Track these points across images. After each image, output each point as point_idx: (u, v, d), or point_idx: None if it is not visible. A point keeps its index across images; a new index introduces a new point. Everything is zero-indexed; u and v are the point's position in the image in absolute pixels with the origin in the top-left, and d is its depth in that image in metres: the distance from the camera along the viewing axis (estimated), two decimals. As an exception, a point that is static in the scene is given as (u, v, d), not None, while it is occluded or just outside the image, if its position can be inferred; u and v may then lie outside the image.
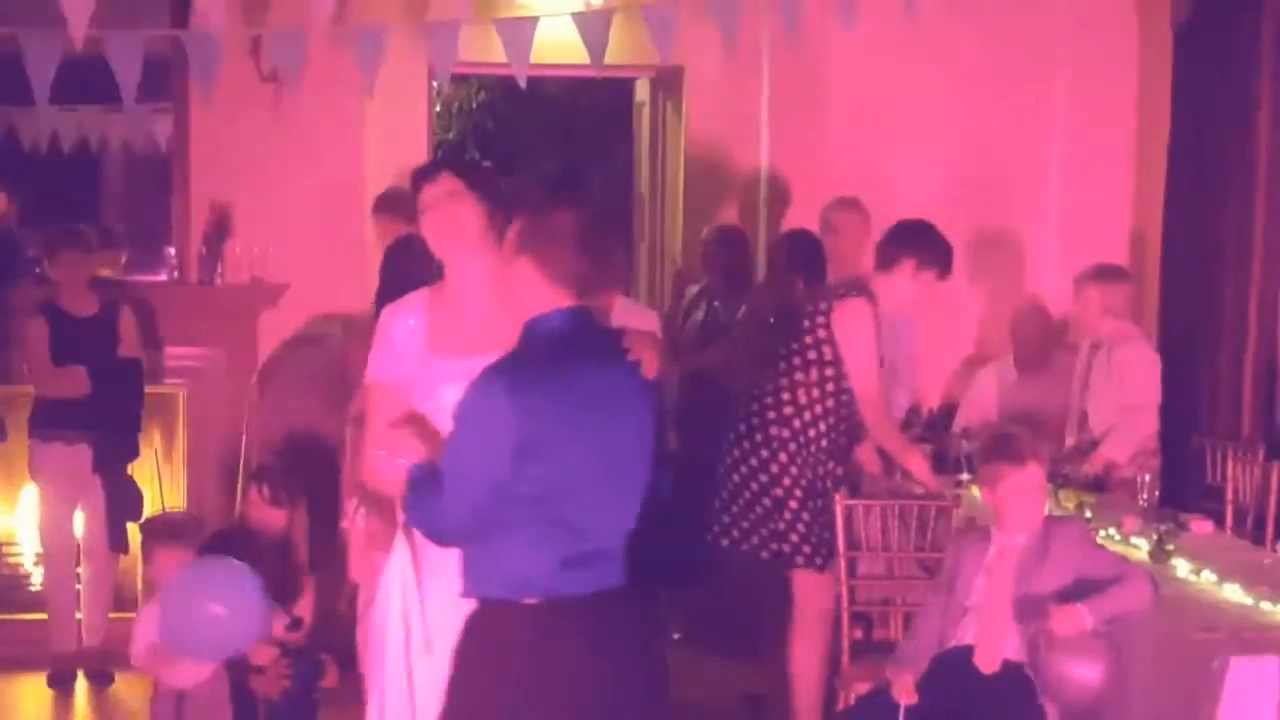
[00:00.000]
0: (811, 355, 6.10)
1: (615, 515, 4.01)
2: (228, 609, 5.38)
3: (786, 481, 6.08)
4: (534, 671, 3.92)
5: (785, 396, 6.13)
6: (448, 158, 3.89)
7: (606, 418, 3.96)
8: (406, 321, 4.36)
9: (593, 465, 3.93)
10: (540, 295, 3.99)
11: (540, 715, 3.93)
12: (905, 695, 5.32)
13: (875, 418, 6.15)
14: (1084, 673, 5.01)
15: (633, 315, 4.75)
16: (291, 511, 6.22)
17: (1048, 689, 5.13)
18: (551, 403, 3.88)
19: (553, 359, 3.95)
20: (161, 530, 6.13)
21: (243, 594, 5.43)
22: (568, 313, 3.99)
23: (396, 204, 7.71)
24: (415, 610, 4.16)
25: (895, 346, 6.86)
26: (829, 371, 6.09)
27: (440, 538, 4.04)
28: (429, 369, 4.27)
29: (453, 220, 4.30)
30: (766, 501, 6.09)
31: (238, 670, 5.70)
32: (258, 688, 5.76)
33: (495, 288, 4.11)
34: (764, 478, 6.10)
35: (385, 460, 4.16)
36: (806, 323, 6.13)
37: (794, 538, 6.08)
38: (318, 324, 7.71)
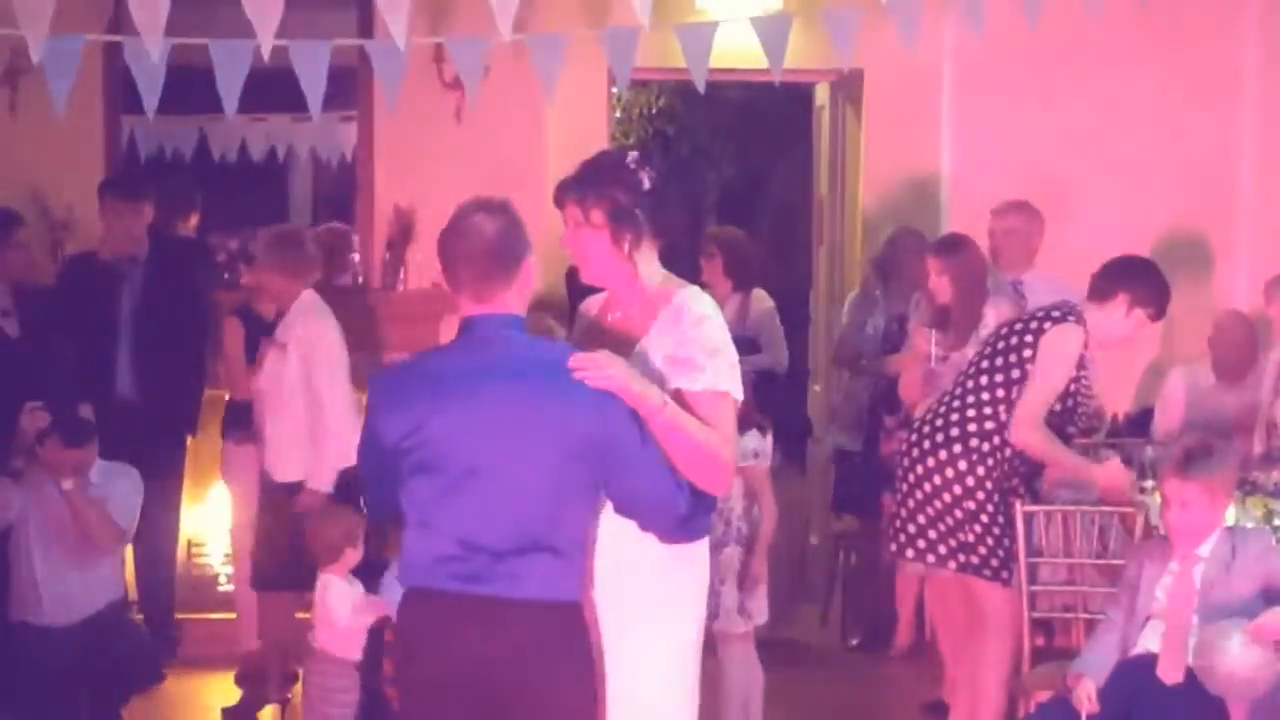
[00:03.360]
0: (1016, 374, 5.99)
1: (491, 525, 3.96)
2: None
3: (980, 495, 6.00)
4: (412, 658, 4.06)
5: (988, 411, 6.02)
6: (569, 182, 3.90)
7: (489, 427, 3.95)
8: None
9: (469, 472, 3.96)
10: (455, 305, 4.14)
11: (418, 703, 4.07)
12: (1086, 704, 5.27)
13: (1025, 421, 5.95)
14: (1251, 668, 4.97)
15: None
16: None
17: (1215, 681, 5.06)
18: (419, 409, 3.99)
19: (438, 365, 4.10)
20: (346, 520, 6.29)
21: None
22: (470, 320, 4.07)
23: None
24: None
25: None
26: None
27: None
28: None
29: (579, 251, 4.36)
30: (958, 513, 6.01)
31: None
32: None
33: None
34: (958, 489, 6.01)
35: None
36: (1015, 340, 6.04)
37: (983, 550, 6.01)
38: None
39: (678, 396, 4.12)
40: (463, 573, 3.96)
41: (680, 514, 4.10)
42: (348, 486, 6.99)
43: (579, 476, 4.00)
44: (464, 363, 4.04)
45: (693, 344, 4.19)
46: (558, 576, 4.00)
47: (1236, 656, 5.01)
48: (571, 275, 7.84)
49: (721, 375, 4.18)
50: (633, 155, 4.38)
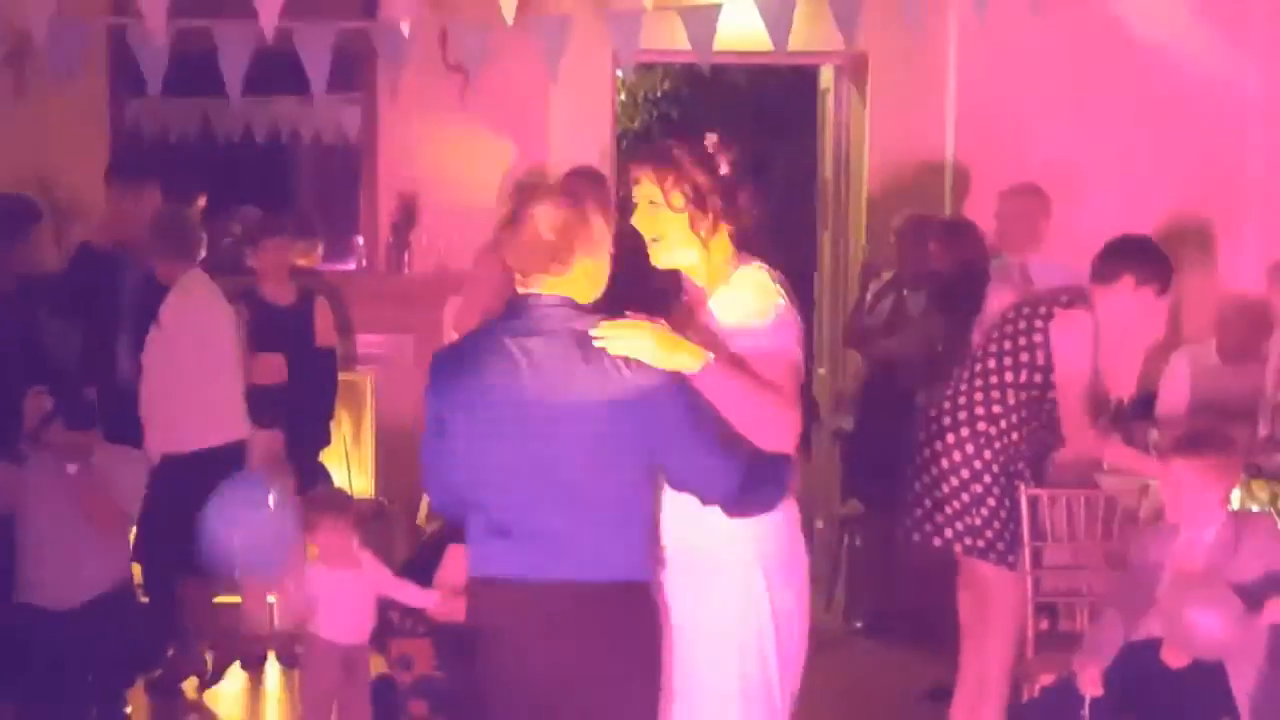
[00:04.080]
0: (1024, 358, 5.99)
1: (539, 506, 3.92)
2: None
3: (987, 479, 6.00)
4: (474, 646, 4.03)
5: (995, 395, 6.02)
6: (648, 162, 3.87)
7: (526, 404, 3.90)
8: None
9: (509, 452, 3.93)
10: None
11: (485, 689, 4.03)
12: (1091, 687, 5.27)
13: (1075, 430, 5.99)
14: (1213, 624, 4.98)
15: None
16: None
17: (1178, 638, 5.10)
18: (461, 388, 3.98)
19: (479, 343, 4.05)
20: (323, 502, 6.26)
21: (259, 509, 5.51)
22: (514, 300, 4.03)
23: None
24: None
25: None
26: (1038, 377, 5.98)
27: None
28: None
29: (654, 231, 4.28)
30: (965, 496, 6.01)
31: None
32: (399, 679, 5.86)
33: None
34: (965, 473, 6.00)
35: None
36: (1023, 324, 6.04)
37: (989, 534, 6.00)
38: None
39: (736, 360, 4.08)
40: (515, 556, 3.93)
41: (737, 484, 4.01)
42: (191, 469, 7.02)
43: (623, 449, 3.92)
44: (503, 340, 3.98)
45: (746, 307, 4.19)
46: (612, 555, 3.93)
47: (1208, 612, 5.03)
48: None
49: (778, 336, 4.18)
50: (712, 139, 4.34)
